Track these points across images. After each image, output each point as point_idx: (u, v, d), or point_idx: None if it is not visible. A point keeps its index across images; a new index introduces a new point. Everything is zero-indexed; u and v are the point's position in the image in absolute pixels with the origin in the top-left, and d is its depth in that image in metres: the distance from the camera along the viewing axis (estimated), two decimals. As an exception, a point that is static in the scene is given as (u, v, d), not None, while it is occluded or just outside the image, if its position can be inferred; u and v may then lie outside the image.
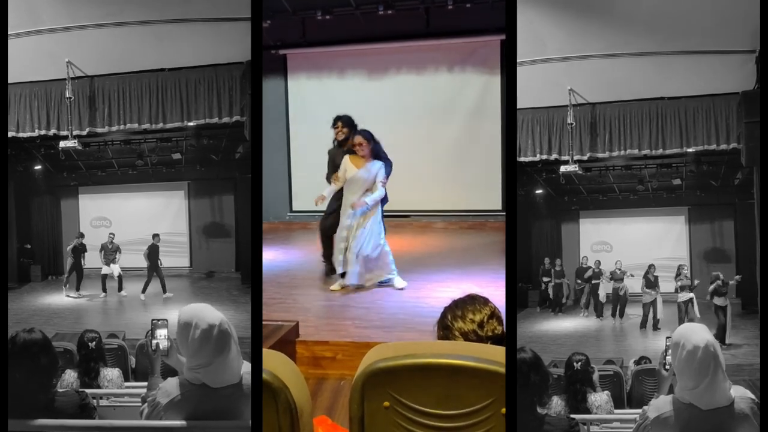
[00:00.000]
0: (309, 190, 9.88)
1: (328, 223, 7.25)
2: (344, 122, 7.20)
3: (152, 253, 9.12)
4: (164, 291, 8.99)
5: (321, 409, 4.65)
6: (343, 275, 6.94)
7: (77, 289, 9.12)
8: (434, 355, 2.27)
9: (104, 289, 9.09)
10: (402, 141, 10.38)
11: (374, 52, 11.23)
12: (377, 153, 6.82)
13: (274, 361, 2.33)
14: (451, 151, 11.06)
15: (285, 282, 7.52)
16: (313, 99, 11.51)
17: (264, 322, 5.37)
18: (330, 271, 7.33)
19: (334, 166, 7.08)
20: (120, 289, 9.09)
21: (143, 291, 8.96)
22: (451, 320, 2.66)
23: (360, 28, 10.77)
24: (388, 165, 6.92)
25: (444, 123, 11.12)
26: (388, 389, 2.26)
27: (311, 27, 11.03)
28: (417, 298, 6.80)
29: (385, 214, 7.11)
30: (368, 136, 6.80)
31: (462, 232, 10.60)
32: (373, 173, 6.77)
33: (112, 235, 9.35)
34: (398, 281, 7.03)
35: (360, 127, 7.15)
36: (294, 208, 11.22)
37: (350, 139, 6.95)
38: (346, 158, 6.84)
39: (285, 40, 11.37)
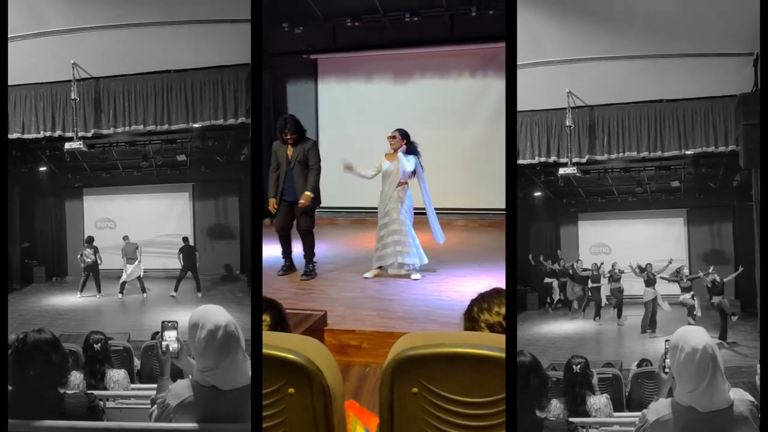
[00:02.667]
0: (336, 188, 10.08)
1: (278, 224, 7.87)
2: (291, 126, 7.68)
3: (186, 253, 9.22)
4: (198, 290, 9.06)
5: (347, 395, 4.69)
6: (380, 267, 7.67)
7: (98, 291, 9.13)
8: (461, 345, 2.33)
9: (121, 291, 9.13)
10: (425, 142, 10.63)
11: (400, 57, 11.72)
12: (411, 152, 7.52)
13: (309, 347, 2.38)
14: (472, 152, 11.45)
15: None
16: (342, 102, 12.10)
17: (294, 311, 5.62)
18: (289, 269, 7.95)
19: (275, 157, 7.79)
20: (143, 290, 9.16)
21: (175, 289, 9.06)
22: (478, 312, 2.77)
23: (387, 34, 11.26)
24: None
25: (466, 125, 11.51)
26: (417, 376, 2.32)
27: (341, 33, 11.56)
28: (439, 291, 7.14)
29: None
30: (403, 133, 7.52)
31: (482, 230, 10.92)
32: (403, 164, 7.44)
33: (126, 238, 9.37)
34: (414, 273, 7.65)
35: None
36: (321, 205, 11.40)
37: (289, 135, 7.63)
38: (383, 156, 7.56)
39: (316, 46, 11.92)
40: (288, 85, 12.49)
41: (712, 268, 8.63)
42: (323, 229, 10.21)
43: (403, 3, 10.85)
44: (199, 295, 8.92)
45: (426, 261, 7.73)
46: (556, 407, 4.54)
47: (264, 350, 2.34)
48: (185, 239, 9.36)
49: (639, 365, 6.10)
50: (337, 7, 11.03)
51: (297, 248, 8.02)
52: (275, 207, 7.81)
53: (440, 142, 11.26)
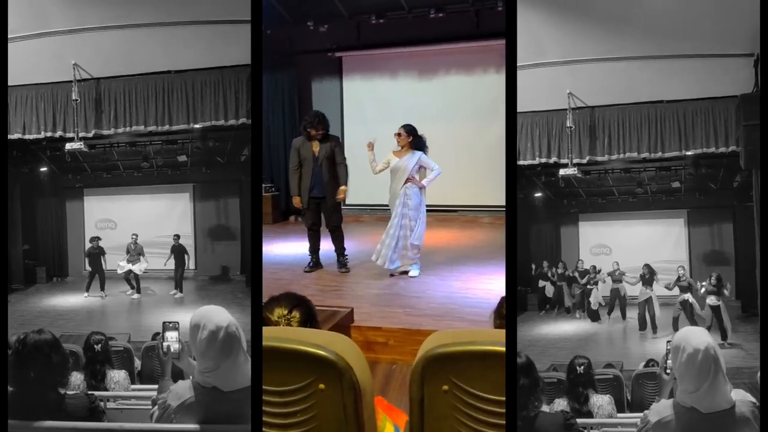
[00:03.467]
0: (361, 185, 10.06)
1: (308, 221, 7.82)
2: (320, 122, 7.65)
3: (177, 252, 9.29)
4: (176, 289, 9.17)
5: (374, 392, 4.74)
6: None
7: (102, 290, 9.16)
8: (492, 343, 2.33)
9: (138, 291, 9.16)
10: (450, 139, 10.85)
11: (425, 53, 11.72)
12: (418, 146, 7.38)
13: (339, 343, 2.39)
14: (498, 149, 11.19)
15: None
16: (367, 99, 12.18)
17: (321, 308, 5.58)
18: (315, 265, 7.94)
19: (297, 154, 7.68)
20: (138, 290, 9.16)
21: (180, 289, 9.16)
22: None
23: (412, 31, 11.33)
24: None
25: (491, 121, 11.42)
26: (448, 374, 2.32)
27: (366, 30, 11.65)
28: (465, 289, 7.10)
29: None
30: (409, 129, 7.40)
31: (507, 227, 10.76)
32: (411, 163, 7.33)
33: (135, 236, 9.35)
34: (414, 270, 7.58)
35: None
36: (347, 202, 11.40)
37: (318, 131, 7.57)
38: (391, 152, 7.47)
39: (340, 43, 12.01)
40: (313, 83, 12.64)
41: (712, 275, 8.60)
42: (348, 226, 10.08)
43: (427, -1, 10.91)
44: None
45: (392, 268, 7.49)
46: (559, 405, 4.55)
47: (294, 346, 2.34)
48: (176, 237, 9.37)
49: (646, 365, 6.09)
50: (361, 5, 11.16)
51: (323, 246, 8.04)
52: (301, 203, 7.77)
53: (466, 139, 11.36)
